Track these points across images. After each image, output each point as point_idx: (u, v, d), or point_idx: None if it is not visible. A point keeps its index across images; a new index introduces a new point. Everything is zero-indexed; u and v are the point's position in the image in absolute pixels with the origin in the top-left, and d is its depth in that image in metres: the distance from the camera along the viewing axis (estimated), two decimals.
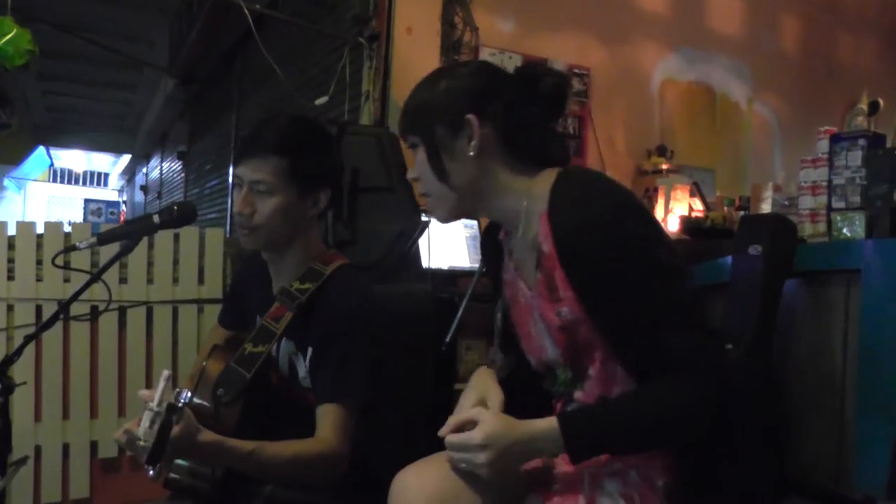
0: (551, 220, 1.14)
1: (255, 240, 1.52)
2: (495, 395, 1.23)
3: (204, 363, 1.50)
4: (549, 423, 1.10)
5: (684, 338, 1.08)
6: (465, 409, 1.22)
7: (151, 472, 1.18)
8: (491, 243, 1.38)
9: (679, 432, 1.13)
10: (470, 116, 1.18)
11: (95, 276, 1.50)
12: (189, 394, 1.18)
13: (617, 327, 1.13)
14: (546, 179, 1.19)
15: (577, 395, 1.23)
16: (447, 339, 2.29)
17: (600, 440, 1.11)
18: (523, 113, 1.22)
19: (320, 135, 1.59)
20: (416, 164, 1.25)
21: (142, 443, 1.14)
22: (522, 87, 1.23)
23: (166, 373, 1.21)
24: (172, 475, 1.39)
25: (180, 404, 1.16)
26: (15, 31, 3.07)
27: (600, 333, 1.15)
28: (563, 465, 1.23)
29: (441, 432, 1.15)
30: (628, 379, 1.16)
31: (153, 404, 1.16)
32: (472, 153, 1.19)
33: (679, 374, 1.08)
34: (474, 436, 1.10)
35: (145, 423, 1.15)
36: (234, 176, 1.53)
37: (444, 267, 2.67)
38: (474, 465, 1.10)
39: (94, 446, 2.61)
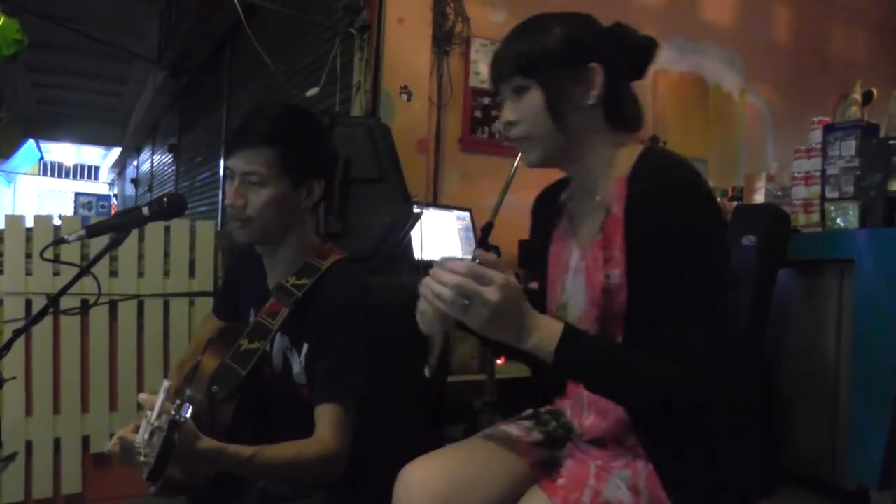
0: (629, 185, 1.16)
1: (248, 232, 1.50)
2: None
3: (199, 358, 1.49)
4: (553, 320, 1.09)
5: (693, 333, 1.07)
6: None
7: (153, 489, 1.16)
8: (548, 203, 1.40)
9: (647, 405, 1.12)
10: (594, 65, 1.19)
11: (85, 269, 1.48)
12: (191, 408, 1.14)
13: (645, 301, 1.12)
14: (631, 151, 1.21)
15: None
16: None
17: (585, 365, 1.09)
18: (621, 68, 1.24)
19: (312, 124, 1.56)
20: (521, 107, 1.22)
21: (142, 458, 1.11)
22: (619, 42, 1.24)
23: (167, 384, 1.18)
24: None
25: (182, 419, 1.11)
26: (2, 20, 3.05)
27: (630, 304, 1.16)
28: (568, 458, 1.22)
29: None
30: None
31: (153, 417, 1.12)
32: (591, 101, 1.20)
33: (671, 358, 1.07)
34: (496, 275, 1.05)
35: (144, 434, 1.12)
36: (225, 168, 1.51)
37: (437, 258, 2.65)
38: (480, 297, 1.04)
39: (85, 441, 2.60)
